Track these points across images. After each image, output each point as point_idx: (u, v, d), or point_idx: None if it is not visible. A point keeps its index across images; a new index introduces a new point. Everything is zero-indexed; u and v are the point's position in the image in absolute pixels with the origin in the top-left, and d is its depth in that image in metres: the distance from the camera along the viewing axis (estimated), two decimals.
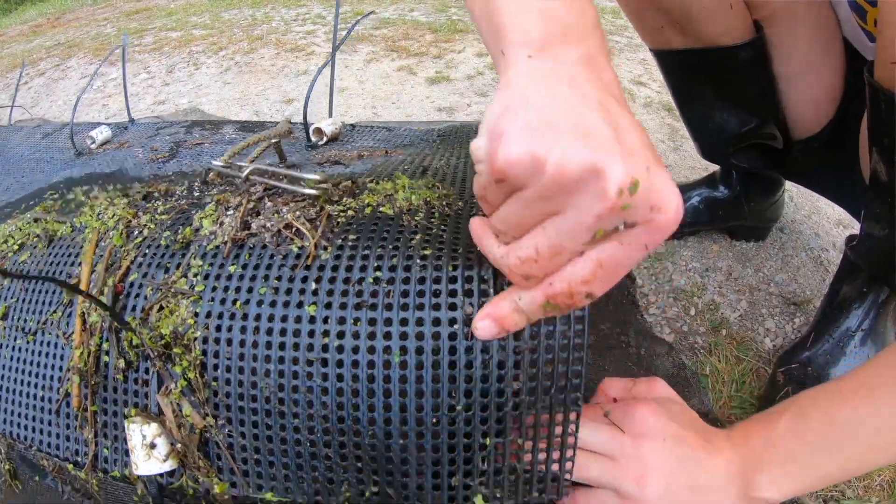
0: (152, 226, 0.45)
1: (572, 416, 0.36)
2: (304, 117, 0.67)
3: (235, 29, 2.43)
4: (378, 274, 0.36)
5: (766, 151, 0.82)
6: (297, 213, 0.39)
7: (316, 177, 0.40)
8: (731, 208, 0.91)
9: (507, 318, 0.32)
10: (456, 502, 0.37)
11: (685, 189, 0.94)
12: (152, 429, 0.40)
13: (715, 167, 0.93)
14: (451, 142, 0.65)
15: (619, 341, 0.70)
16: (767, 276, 0.91)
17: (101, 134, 0.91)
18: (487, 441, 0.36)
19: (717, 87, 0.77)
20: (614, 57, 1.78)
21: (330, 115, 0.72)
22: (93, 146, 0.89)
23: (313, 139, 0.69)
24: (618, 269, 0.28)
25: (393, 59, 1.86)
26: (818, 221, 1.04)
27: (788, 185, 0.96)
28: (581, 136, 0.25)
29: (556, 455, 0.37)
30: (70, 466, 0.45)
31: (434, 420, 0.35)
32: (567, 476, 0.38)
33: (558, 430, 0.37)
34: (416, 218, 0.39)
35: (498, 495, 0.37)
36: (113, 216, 0.48)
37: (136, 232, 0.46)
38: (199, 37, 2.38)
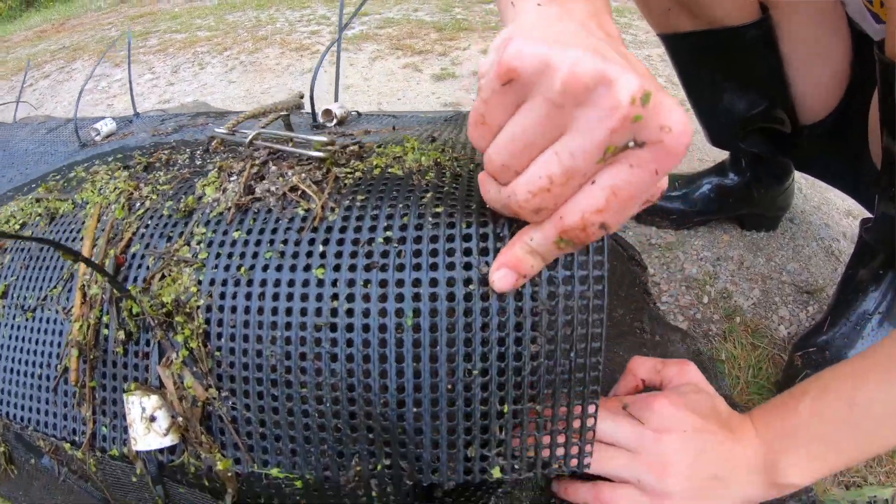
0: (154, 196, 0.44)
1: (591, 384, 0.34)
2: (311, 98, 0.66)
3: (240, 30, 2.44)
4: (388, 233, 0.34)
5: (773, 136, 0.81)
6: (303, 175, 0.38)
7: (323, 138, 0.39)
8: (741, 195, 0.90)
9: (523, 263, 0.31)
10: (472, 475, 0.35)
11: (695, 178, 0.93)
12: (152, 401, 0.38)
13: (724, 156, 0.92)
14: (459, 124, 0.64)
15: (633, 327, 0.68)
16: (779, 265, 0.89)
17: (106, 126, 0.90)
18: (505, 408, 0.34)
19: (724, 68, 0.76)
20: None
21: (336, 100, 0.71)
22: (97, 138, 0.88)
23: (322, 120, 0.67)
24: (630, 197, 0.27)
25: (398, 56, 1.86)
26: (828, 212, 1.02)
27: (798, 176, 0.95)
28: (592, 51, 0.26)
29: (576, 424, 0.35)
30: (67, 446, 0.44)
31: (449, 386, 0.33)
32: (588, 447, 0.36)
33: (577, 410, 0.35)
34: (426, 177, 0.38)
35: (516, 466, 0.35)
36: (114, 190, 0.47)
37: (138, 204, 0.45)
38: (203, 38, 2.39)
